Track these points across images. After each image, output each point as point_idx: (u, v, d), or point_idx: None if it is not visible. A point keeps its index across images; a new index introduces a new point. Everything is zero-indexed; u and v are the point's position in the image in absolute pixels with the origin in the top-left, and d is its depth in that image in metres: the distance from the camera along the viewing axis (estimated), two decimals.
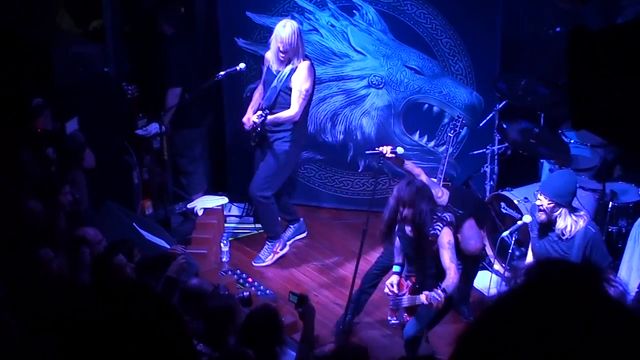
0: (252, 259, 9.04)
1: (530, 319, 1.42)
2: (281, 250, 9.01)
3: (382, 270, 7.77)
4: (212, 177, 10.10)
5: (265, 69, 8.60)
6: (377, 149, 7.60)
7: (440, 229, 6.86)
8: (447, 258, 6.82)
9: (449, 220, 6.97)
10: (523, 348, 1.40)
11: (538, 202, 6.97)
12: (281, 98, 8.37)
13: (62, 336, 1.56)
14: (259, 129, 8.33)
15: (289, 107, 8.34)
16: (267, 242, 9.03)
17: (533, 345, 1.39)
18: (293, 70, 8.29)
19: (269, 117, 8.28)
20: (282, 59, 8.28)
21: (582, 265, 1.52)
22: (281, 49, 8.23)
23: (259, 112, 8.29)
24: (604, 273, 1.49)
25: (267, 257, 8.96)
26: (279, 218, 9.08)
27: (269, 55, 8.45)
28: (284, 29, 8.21)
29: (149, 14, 9.57)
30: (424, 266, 7.00)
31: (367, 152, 8.00)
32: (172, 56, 9.30)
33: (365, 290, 7.87)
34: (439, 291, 6.65)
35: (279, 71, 8.35)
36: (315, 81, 8.52)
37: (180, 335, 1.63)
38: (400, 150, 7.57)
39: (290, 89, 8.31)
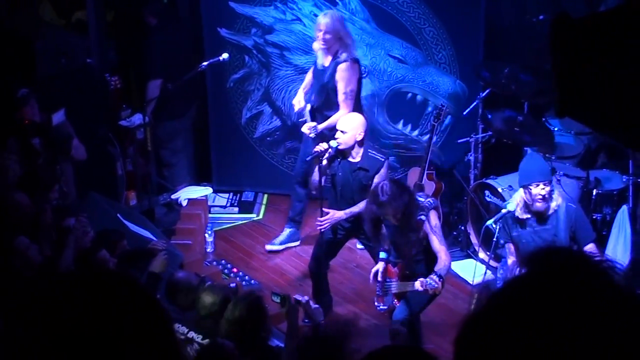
0: (236, 249, 9.04)
1: (537, 305, 1.44)
2: None
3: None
4: (195, 168, 10.07)
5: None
6: (314, 151, 7.60)
7: (426, 214, 6.88)
8: (437, 241, 6.85)
9: (433, 204, 6.99)
10: (530, 334, 1.42)
11: (541, 193, 6.81)
12: (330, 97, 8.23)
13: (39, 325, 1.56)
14: (312, 134, 8.13)
15: (338, 106, 8.18)
16: None
17: (541, 330, 1.42)
18: (334, 68, 8.09)
19: (319, 126, 8.09)
20: (323, 46, 8.14)
21: (584, 253, 1.55)
22: (321, 36, 8.09)
23: (311, 125, 8.10)
24: (608, 261, 1.51)
25: None
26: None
27: (315, 47, 8.35)
28: (324, 17, 8.13)
29: (134, 5, 9.53)
30: (411, 253, 7.01)
31: (307, 159, 7.98)
32: (155, 47, 9.26)
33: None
34: (435, 277, 6.64)
35: (324, 66, 8.22)
36: (361, 78, 8.34)
37: (162, 324, 1.63)
38: (333, 143, 7.53)
39: (337, 89, 8.16)
